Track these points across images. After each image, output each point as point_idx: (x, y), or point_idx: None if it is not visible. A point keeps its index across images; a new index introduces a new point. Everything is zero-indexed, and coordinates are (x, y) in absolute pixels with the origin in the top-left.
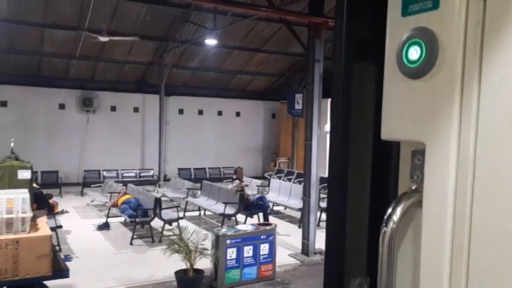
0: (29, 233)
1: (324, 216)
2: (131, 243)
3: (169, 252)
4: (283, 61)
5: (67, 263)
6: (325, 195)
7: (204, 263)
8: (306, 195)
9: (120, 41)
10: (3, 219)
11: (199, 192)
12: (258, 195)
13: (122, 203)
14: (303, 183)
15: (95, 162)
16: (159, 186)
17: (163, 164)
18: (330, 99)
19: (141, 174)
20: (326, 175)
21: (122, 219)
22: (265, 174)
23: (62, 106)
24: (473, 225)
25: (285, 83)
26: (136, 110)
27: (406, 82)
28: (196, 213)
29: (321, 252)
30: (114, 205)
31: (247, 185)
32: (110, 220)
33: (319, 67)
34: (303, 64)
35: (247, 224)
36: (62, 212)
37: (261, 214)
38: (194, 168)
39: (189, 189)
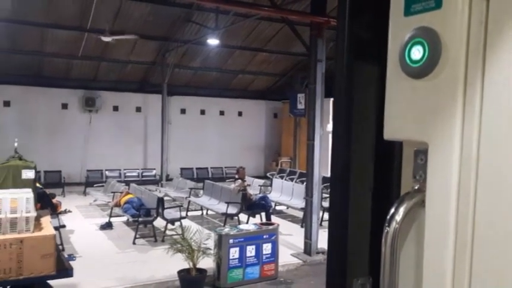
0: (33, 232)
1: (326, 215)
2: (134, 243)
3: (172, 252)
4: (285, 61)
5: (71, 262)
6: (328, 195)
7: (207, 263)
8: (308, 194)
9: (123, 41)
10: (8, 218)
11: (201, 191)
12: (260, 195)
13: (125, 203)
14: (305, 183)
15: (97, 161)
16: (162, 186)
17: (166, 164)
18: (332, 99)
19: (144, 174)
20: (328, 175)
21: (125, 218)
22: (268, 174)
23: (64, 106)
24: (477, 225)
25: (286, 82)
26: (138, 109)
27: (408, 82)
28: (199, 212)
29: (324, 251)
30: (117, 205)
31: (249, 185)
32: (112, 220)
33: (322, 67)
34: (304, 64)
35: (249, 223)
36: (65, 212)
37: (263, 214)
38: (196, 168)
39: (191, 188)
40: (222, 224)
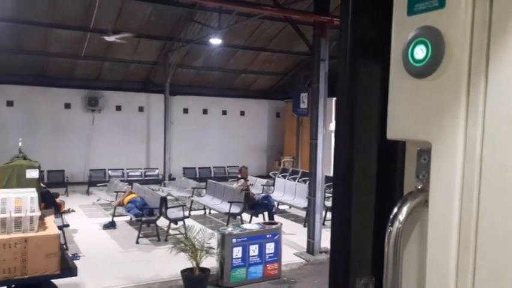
0: (37, 231)
1: (329, 215)
2: (137, 242)
3: (175, 251)
4: (287, 60)
5: (75, 262)
6: (331, 195)
7: (210, 262)
8: (311, 194)
9: (126, 41)
10: (12, 218)
11: (204, 191)
12: (263, 194)
13: (128, 202)
14: (308, 182)
15: (100, 161)
16: (164, 185)
17: (168, 163)
18: (335, 98)
19: (146, 174)
20: (331, 174)
21: (128, 218)
22: (270, 174)
23: (67, 106)
24: (480, 224)
25: (289, 81)
26: (141, 109)
27: (411, 81)
28: (202, 212)
29: (327, 251)
30: (120, 204)
31: (252, 184)
32: (115, 219)
33: (325, 66)
34: (307, 62)
35: (252, 223)
36: (69, 211)
37: (266, 213)
38: (199, 168)
39: (194, 188)
40: (225, 224)
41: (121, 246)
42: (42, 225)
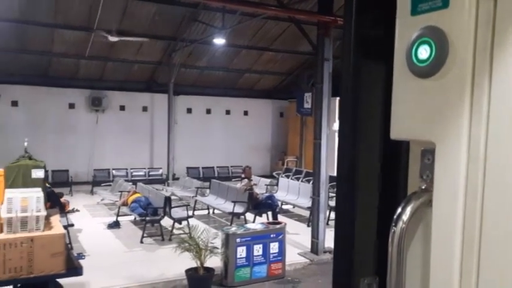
0: (43, 231)
1: (333, 215)
2: (141, 242)
3: (179, 251)
4: (291, 60)
5: (80, 261)
6: (334, 194)
7: (214, 262)
8: (315, 194)
9: (129, 41)
10: (19, 217)
11: (207, 191)
12: (267, 194)
13: (132, 202)
14: (311, 182)
15: (104, 161)
16: (168, 185)
17: (172, 163)
18: (338, 98)
19: (150, 173)
20: (335, 174)
21: (132, 217)
22: (274, 173)
23: (71, 106)
24: (484, 224)
25: (293, 81)
26: (145, 109)
27: (415, 81)
28: (205, 212)
29: (331, 251)
30: (124, 204)
31: (255, 184)
32: (120, 219)
33: (329, 66)
34: (311, 62)
35: (256, 222)
36: (73, 211)
37: (269, 213)
38: (202, 167)
39: (197, 188)
40: (229, 223)
41: (125, 245)
42: (47, 224)
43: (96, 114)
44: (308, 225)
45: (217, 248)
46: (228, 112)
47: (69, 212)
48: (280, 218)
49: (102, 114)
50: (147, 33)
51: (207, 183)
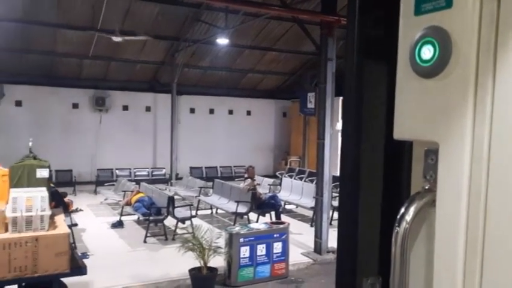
0: (48, 230)
1: (336, 215)
2: (145, 241)
3: (183, 250)
4: (294, 60)
5: (84, 261)
6: (337, 194)
7: (218, 261)
8: (318, 193)
9: (133, 41)
10: (23, 217)
11: (211, 190)
12: (270, 194)
13: (136, 202)
14: (315, 182)
15: (107, 161)
16: (171, 185)
17: (175, 163)
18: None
19: (154, 173)
20: (338, 174)
21: (135, 217)
22: (277, 173)
23: (75, 105)
24: (487, 224)
25: (296, 81)
26: (148, 109)
27: (419, 81)
28: (208, 211)
29: (334, 250)
30: (128, 203)
31: (259, 184)
32: (123, 218)
33: (332, 66)
34: (314, 62)
35: (259, 222)
36: (77, 210)
37: (273, 213)
38: (206, 167)
39: (201, 187)
40: (232, 223)
41: (129, 245)
42: (52, 224)
43: (99, 114)
44: (311, 225)
45: (220, 247)
46: (231, 112)
47: (72, 211)
48: (284, 217)
49: (105, 114)
50: (150, 33)
51: (210, 183)
